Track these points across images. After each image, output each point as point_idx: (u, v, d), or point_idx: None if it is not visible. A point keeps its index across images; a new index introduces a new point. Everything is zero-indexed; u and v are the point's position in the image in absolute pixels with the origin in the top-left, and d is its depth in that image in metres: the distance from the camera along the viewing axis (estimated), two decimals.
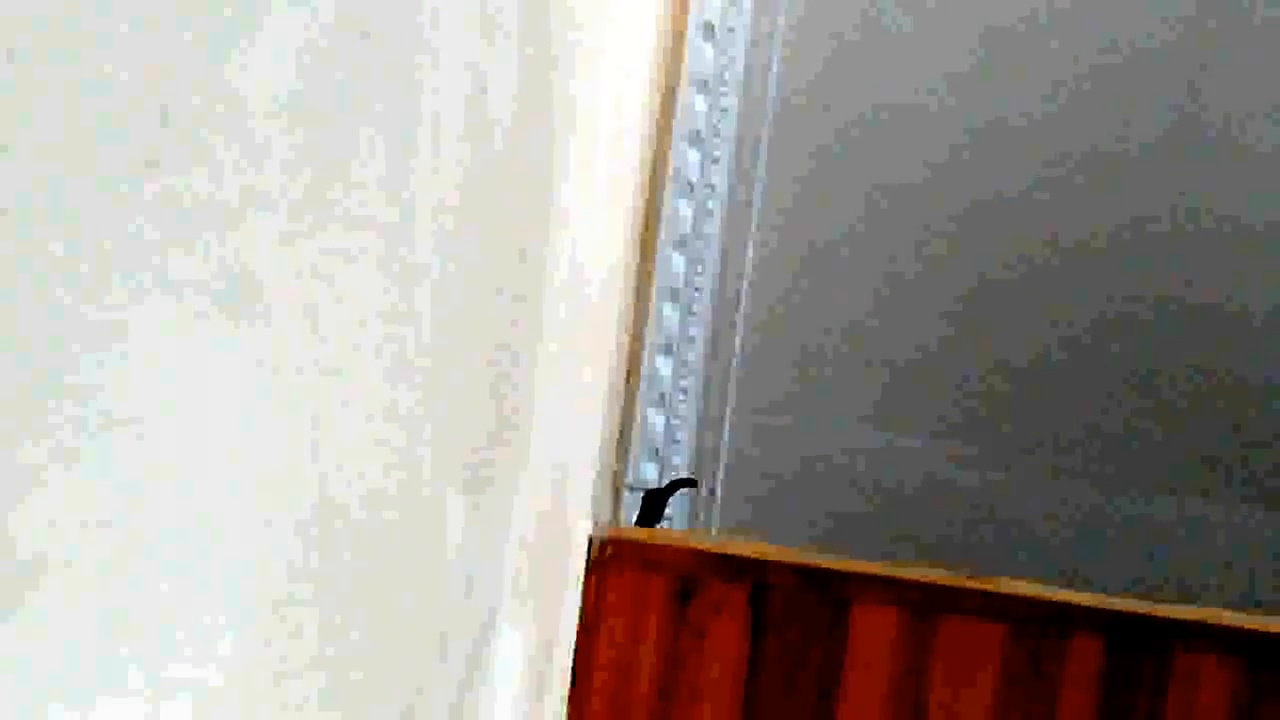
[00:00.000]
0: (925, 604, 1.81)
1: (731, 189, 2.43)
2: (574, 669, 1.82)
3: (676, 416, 2.41)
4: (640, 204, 2.12)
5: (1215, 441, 2.44)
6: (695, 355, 2.43)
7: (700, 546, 1.90)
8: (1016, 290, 2.48)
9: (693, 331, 2.42)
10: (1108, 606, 1.81)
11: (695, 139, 2.38)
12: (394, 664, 0.93)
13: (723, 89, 2.39)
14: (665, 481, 2.36)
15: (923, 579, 1.83)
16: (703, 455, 2.45)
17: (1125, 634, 1.78)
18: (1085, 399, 2.47)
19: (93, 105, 0.47)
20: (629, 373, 2.25)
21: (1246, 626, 1.79)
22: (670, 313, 2.40)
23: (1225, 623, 1.80)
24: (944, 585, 1.83)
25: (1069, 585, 1.87)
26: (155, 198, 0.51)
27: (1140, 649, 1.78)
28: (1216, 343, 2.44)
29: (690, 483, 2.40)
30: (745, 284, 2.48)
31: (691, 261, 2.40)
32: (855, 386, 2.50)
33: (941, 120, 2.47)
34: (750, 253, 2.47)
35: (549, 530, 1.54)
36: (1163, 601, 1.85)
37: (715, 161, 2.40)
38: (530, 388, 1.28)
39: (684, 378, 2.41)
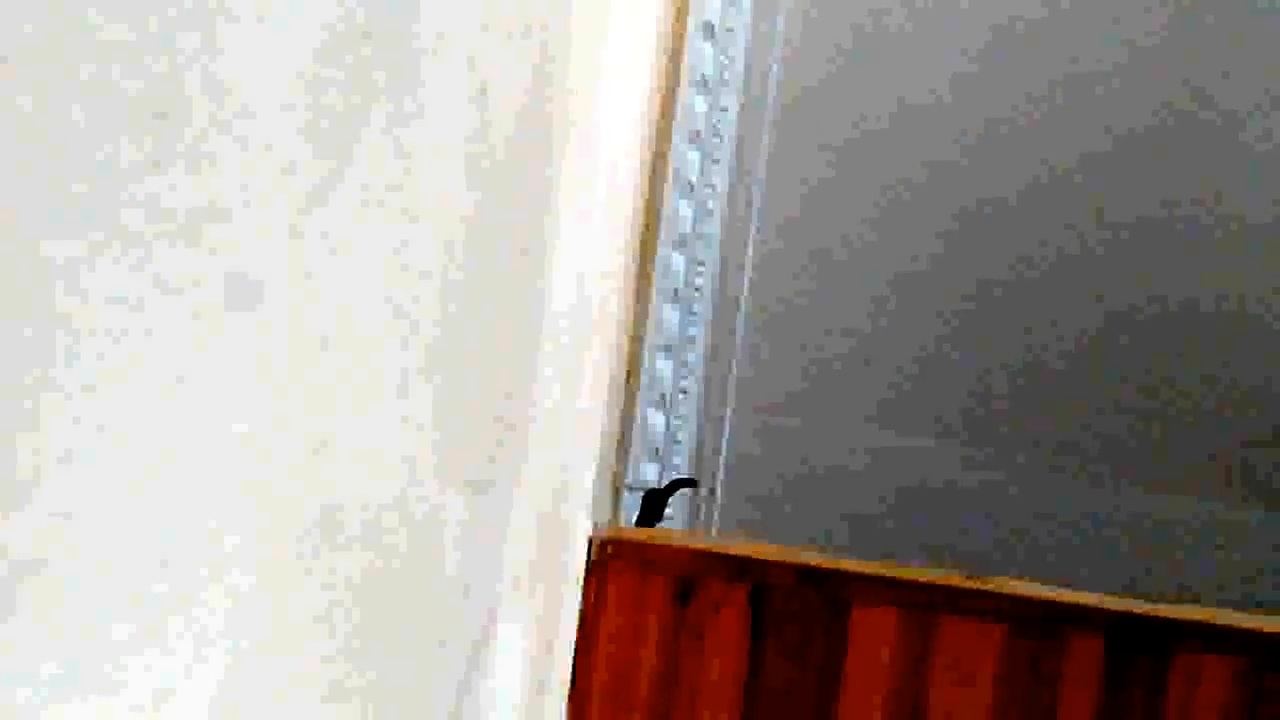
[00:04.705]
0: (925, 604, 1.81)
1: (731, 189, 2.43)
2: (574, 669, 1.82)
3: (676, 416, 2.40)
4: (640, 204, 2.12)
5: (1215, 441, 2.44)
6: (695, 355, 2.42)
7: (700, 546, 1.90)
8: (1017, 290, 2.47)
9: (693, 331, 2.42)
10: (1108, 606, 1.81)
11: (695, 139, 2.37)
12: (394, 664, 0.93)
13: (723, 89, 2.39)
14: (665, 481, 2.36)
15: (923, 579, 1.83)
16: (703, 455, 2.45)
17: (1125, 634, 1.78)
18: (1085, 399, 2.47)
19: (93, 105, 0.46)
20: (629, 373, 2.25)
21: (1246, 626, 1.79)
22: (670, 313, 2.39)
23: (1225, 623, 1.80)
24: (944, 585, 1.83)
25: (1069, 585, 1.87)
26: (155, 198, 0.51)
27: (1140, 649, 1.78)
28: (1217, 342, 2.44)
29: (690, 483, 2.40)
30: (745, 284, 2.48)
31: (691, 261, 2.39)
32: (856, 386, 2.49)
33: (942, 120, 2.47)
34: (750, 253, 2.47)
35: (549, 530, 1.54)
36: (1163, 601, 1.85)
37: (715, 161, 2.40)
38: (531, 388, 1.28)
39: (684, 378, 2.41)
